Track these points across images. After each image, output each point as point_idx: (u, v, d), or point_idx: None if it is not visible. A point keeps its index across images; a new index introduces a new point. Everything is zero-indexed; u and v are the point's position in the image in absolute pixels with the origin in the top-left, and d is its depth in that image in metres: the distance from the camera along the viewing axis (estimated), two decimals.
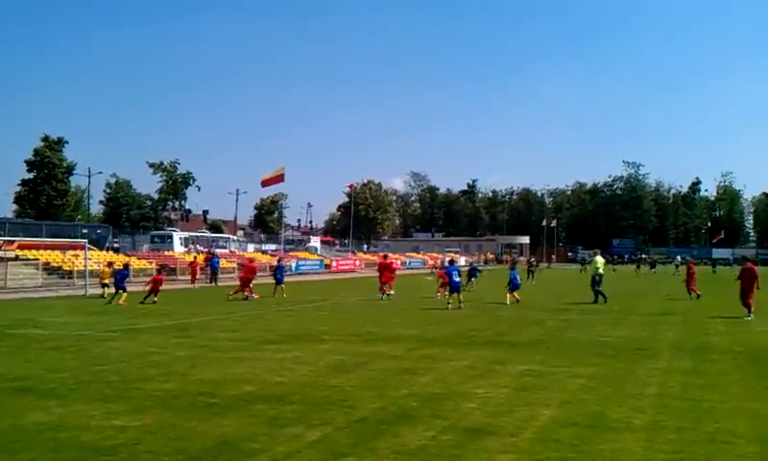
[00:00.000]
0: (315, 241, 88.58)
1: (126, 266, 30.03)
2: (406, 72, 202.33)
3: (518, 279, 26.27)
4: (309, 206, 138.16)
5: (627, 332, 16.58)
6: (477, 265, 44.03)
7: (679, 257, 71.29)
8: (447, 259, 34.86)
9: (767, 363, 12.04)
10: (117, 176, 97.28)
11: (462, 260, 74.16)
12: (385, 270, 29.27)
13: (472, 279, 34.56)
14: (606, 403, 8.69)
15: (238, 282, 31.62)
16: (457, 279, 23.89)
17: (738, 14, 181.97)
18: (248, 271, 30.82)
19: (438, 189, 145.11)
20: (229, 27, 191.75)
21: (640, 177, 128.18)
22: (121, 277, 26.69)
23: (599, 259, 27.30)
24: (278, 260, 37.89)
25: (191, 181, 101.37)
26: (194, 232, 68.22)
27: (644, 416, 8.03)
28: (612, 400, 8.87)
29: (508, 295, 25.32)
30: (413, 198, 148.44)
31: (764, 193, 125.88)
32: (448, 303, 23.28)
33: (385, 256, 34.25)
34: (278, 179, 53.31)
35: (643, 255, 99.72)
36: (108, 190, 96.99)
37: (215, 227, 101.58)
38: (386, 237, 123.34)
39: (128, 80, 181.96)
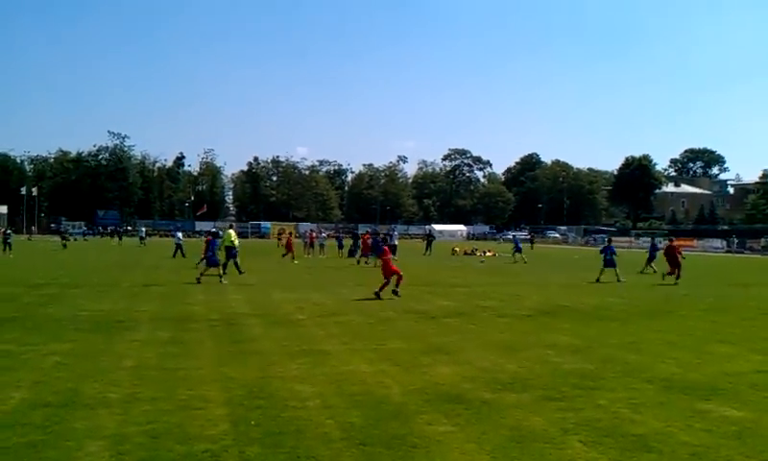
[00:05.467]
0: None
1: None
2: None
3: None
4: None
5: (109, 305, 16.34)
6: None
7: (144, 229, 72.07)
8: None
9: (238, 329, 13.10)
10: None
11: None
12: None
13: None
14: (81, 380, 8.42)
15: None
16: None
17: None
18: None
19: None
20: None
21: (126, 148, 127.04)
22: None
23: (232, 232, 27.21)
24: None
25: None
26: None
27: (120, 389, 8.00)
28: (88, 376, 8.63)
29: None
30: None
31: (242, 171, 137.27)
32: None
33: None
34: None
35: (129, 227, 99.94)
36: None
37: None
38: None
39: None
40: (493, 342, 12.02)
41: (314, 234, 50.57)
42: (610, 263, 26.43)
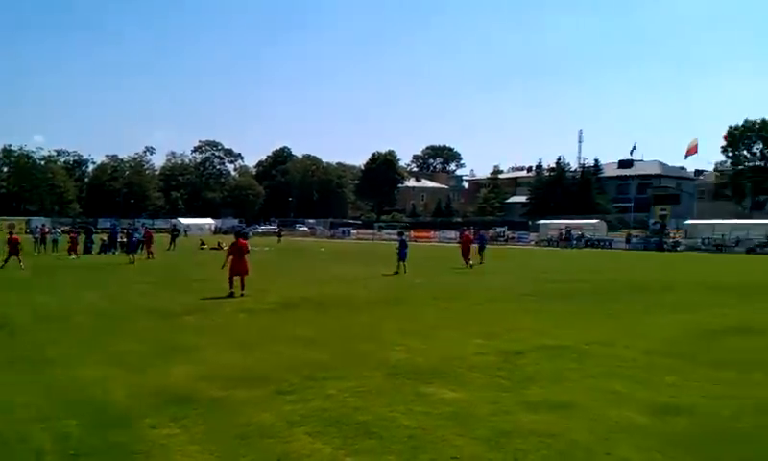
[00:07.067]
0: None
1: None
2: None
3: None
4: None
5: None
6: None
7: None
8: None
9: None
10: None
11: None
12: None
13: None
14: None
15: None
16: None
17: None
18: None
19: None
20: None
21: None
22: None
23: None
24: None
25: None
26: None
27: None
28: None
29: None
30: None
31: None
32: None
33: None
34: None
35: None
36: None
37: None
38: None
39: None
40: (232, 338, 11.86)
41: (46, 230, 46.66)
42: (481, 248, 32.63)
